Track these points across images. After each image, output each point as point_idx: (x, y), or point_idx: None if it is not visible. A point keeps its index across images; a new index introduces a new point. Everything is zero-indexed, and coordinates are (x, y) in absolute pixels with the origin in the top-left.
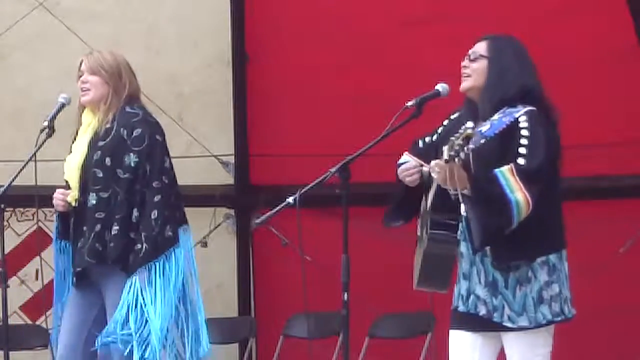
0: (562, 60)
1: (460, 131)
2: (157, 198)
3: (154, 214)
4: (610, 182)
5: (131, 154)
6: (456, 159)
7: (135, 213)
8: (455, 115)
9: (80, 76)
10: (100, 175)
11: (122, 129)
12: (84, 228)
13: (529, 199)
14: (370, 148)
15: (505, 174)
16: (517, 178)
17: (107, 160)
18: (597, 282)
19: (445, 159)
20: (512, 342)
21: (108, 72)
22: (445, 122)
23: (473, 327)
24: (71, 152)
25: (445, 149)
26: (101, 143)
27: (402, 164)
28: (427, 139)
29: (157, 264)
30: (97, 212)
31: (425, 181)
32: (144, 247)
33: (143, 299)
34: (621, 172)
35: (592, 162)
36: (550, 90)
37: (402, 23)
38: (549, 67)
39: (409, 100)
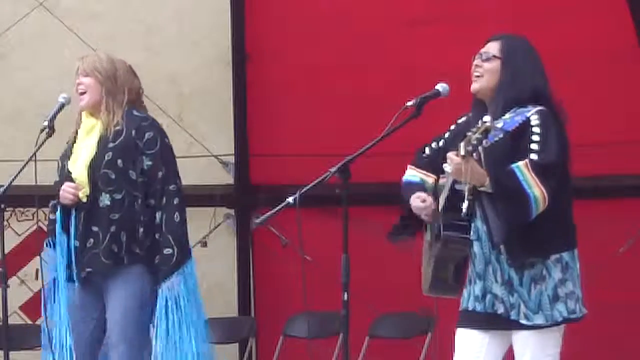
0: (562, 60)
1: (478, 125)
2: (176, 201)
3: (177, 217)
4: (610, 182)
5: (144, 157)
6: (474, 154)
7: (158, 215)
8: (463, 119)
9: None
10: (113, 176)
11: (132, 131)
12: (94, 228)
13: (545, 193)
14: (370, 148)
15: (522, 169)
16: (532, 173)
17: (119, 162)
18: (597, 282)
19: (462, 155)
20: (524, 342)
21: (102, 74)
22: (453, 127)
23: (483, 325)
24: (71, 153)
25: (461, 144)
26: (111, 144)
27: (409, 183)
28: (434, 145)
29: (187, 267)
30: (112, 213)
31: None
32: (175, 251)
33: (180, 306)
34: (621, 172)
35: (592, 162)
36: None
37: (402, 23)
38: (549, 67)
39: (409, 100)
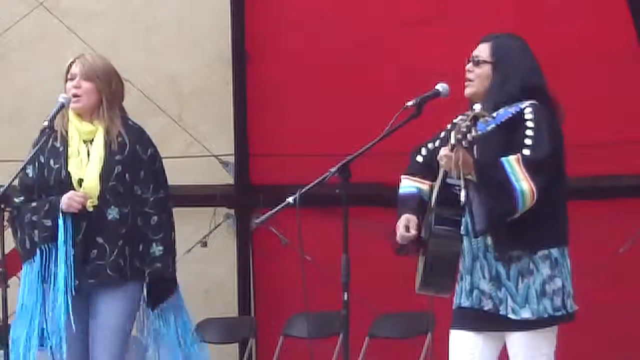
0: (562, 60)
1: (468, 113)
2: (172, 219)
3: (173, 236)
4: (610, 182)
5: (149, 175)
6: (463, 142)
7: (157, 232)
8: (459, 119)
9: (71, 79)
10: (121, 190)
11: (137, 145)
12: (99, 240)
13: (534, 188)
14: (370, 148)
15: (511, 162)
16: (522, 168)
17: (127, 177)
18: (597, 282)
19: (452, 144)
20: (517, 342)
21: (101, 78)
22: (449, 126)
23: (476, 326)
24: (68, 157)
25: (452, 134)
26: (119, 157)
27: (404, 197)
28: (430, 145)
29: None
30: (120, 227)
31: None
32: (175, 270)
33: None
34: (621, 172)
35: (592, 162)
36: (550, 90)
37: (402, 23)
38: (549, 67)
39: (409, 100)
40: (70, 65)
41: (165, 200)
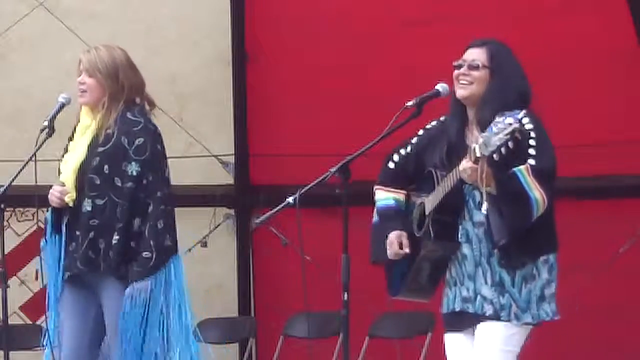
0: (561, 60)
1: (500, 126)
2: (161, 207)
3: (160, 224)
4: (610, 182)
5: (133, 163)
6: (495, 155)
7: (137, 222)
8: (433, 124)
9: (79, 75)
10: (98, 182)
11: (123, 137)
12: (77, 232)
13: (545, 197)
14: (370, 148)
15: (523, 172)
16: (532, 177)
17: (106, 168)
18: (597, 282)
19: (477, 156)
20: (489, 331)
21: (103, 73)
22: (422, 132)
23: (463, 326)
24: (67, 151)
25: (475, 146)
26: (101, 149)
27: (385, 209)
28: (403, 151)
29: (164, 272)
30: (92, 219)
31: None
32: (153, 256)
33: (148, 308)
34: (621, 172)
35: (592, 162)
36: (549, 90)
37: (402, 23)
38: (549, 67)
39: (409, 101)
40: (80, 61)
41: (153, 185)
